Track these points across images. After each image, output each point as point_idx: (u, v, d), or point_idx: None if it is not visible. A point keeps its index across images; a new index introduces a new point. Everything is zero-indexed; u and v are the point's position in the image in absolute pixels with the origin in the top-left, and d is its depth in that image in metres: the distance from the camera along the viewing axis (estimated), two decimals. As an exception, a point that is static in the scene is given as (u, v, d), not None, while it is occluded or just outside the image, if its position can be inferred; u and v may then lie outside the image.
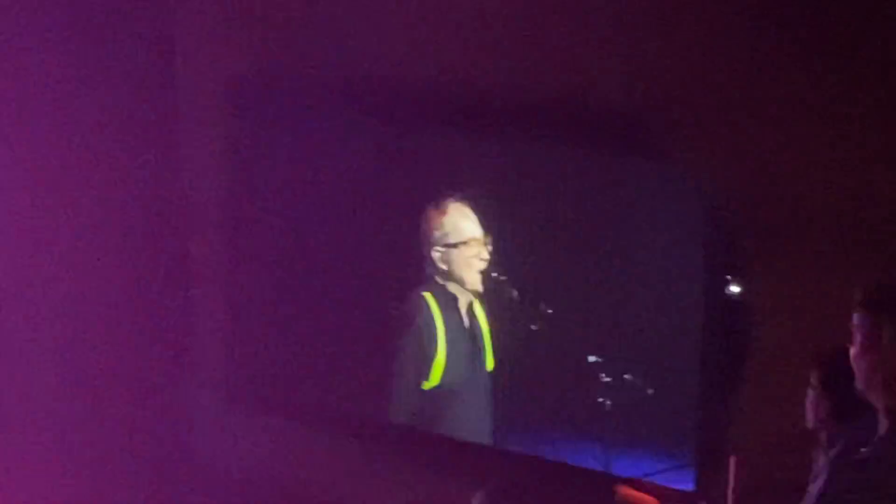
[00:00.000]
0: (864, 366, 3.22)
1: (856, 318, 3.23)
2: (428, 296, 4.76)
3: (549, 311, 4.61)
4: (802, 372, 3.74)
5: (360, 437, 5.18)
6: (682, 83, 4.40)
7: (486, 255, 4.72)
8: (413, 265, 4.77)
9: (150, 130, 5.49)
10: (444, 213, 4.73)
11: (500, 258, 4.70)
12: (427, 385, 4.78)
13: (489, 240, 4.71)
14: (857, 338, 3.24)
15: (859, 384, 3.23)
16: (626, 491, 4.21)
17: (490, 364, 4.78)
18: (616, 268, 4.57)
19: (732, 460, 3.64)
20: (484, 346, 4.78)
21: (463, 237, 4.71)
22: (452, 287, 4.76)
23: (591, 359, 4.55)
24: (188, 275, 5.60)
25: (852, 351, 3.26)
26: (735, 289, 4.33)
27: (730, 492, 3.88)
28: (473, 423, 4.82)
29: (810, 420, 3.65)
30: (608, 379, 4.52)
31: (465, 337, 4.78)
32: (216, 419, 5.63)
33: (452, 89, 4.81)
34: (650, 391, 4.47)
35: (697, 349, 4.38)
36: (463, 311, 4.78)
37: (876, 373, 3.19)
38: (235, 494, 5.49)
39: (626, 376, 4.50)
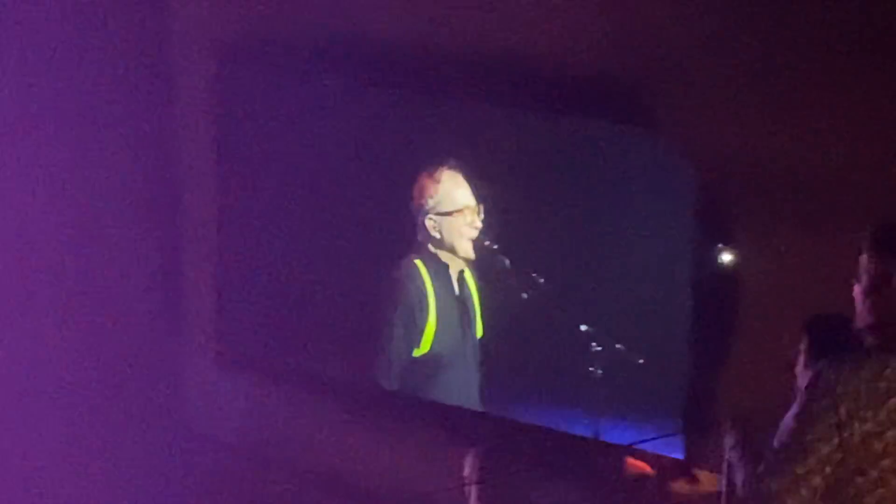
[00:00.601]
0: (867, 305, 3.24)
1: (863, 258, 3.24)
2: (419, 263, 4.76)
3: (541, 280, 4.62)
4: (792, 340, 3.75)
5: (350, 403, 5.19)
6: (673, 49, 4.40)
7: (479, 224, 4.72)
8: (405, 233, 4.77)
9: (140, 95, 5.47)
10: (437, 181, 4.72)
11: (493, 227, 4.71)
12: (417, 352, 4.79)
13: (482, 208, 4.72)
14: (864, 278, 3.26)
15: (860, 323, 3.25)
16: (630, 462, 4.24)
17: (480, 332, 4.79)
18: (607, 237, 4.58)
19: (728, 424, 3.65)
20: (475, 315, 4.79)
21: (456, 205, 4.71)
22: (444, 255, 4.76)
23: (582, 328, 4.56)
24: (177, 239, 5.59)
25: (856, 289, 3.28)
26: (726, 257, 4.34)
27: (725, 458, 3.89)
28: (464, 391, 4.83)
29: (801, 386, 3.66)
30: (599, 348, 4.54)
31: (455, 305, 4.79)
32: (205, 385, 5.63)
33: (446, 56, 4.81)
34: (640, 360, 4.48)
35: (688, 319, 4.39)
36: (454, 279, 4.79)
37: (878, 313, 3.21)
38: (224, 459, 5.50)
39: (616, 345, 4.51)
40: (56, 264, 5.32)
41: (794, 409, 3.23)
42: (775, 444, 3.22)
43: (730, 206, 4.32)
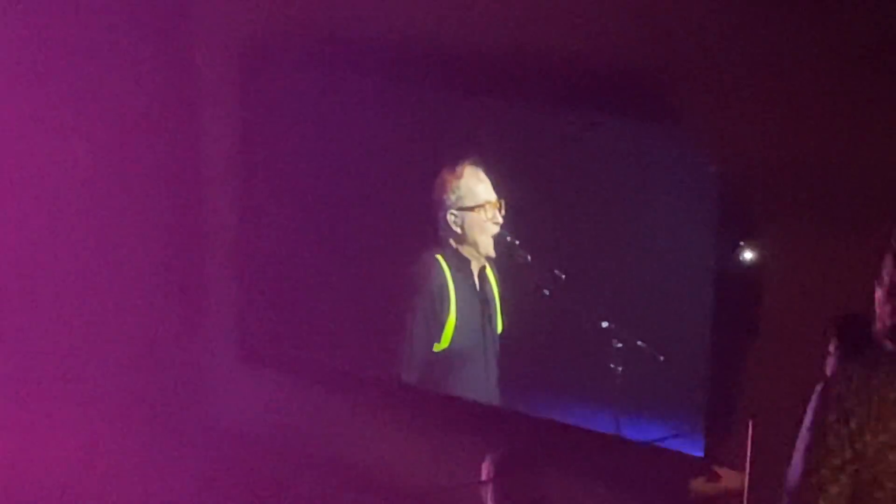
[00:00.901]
0: (887, 309, 3.20)
1: (887, 259, 3.21)
2: (440, 258, 4.76)
3: (562, 276, 4.61)
4: (813, 338, 3.74)
5: (371, 397, 5.19)
6: (696, 47, 4.38)
7: (500, 220, 4.72)
8: (427, 228, 4.76)
9: (163, 94, 5.48)
10: (458, 176, 4.72)
11: (514, 222, 4.70)
12: (438, 347, 4.79)
13: (503, 204, 4.71)
14: (885, 279, 3.23)
15: (879, 326, 3.22)
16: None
17: (500, 327, 4.79)
18: (629, 233, 4.57)
19: (751, 424, 3.64)
20: (495, 310, 4.79)
21: (477, 201, 4.71)
22: (465, 250, 4.76)
23: (603, 324, 4.55)
24: (201, 233, 5.61)
25: (878, 292, 3.24)
26: (747, 255, 4.33)
27: (748, 455, 3.88)
28: (483, 386, 4.84)
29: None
30: (620, 345, 4.53)
31: (476, 300, 4.79)
32: (228, 379, 5.64)
33: (469, 53, 4.80)
34: (661, 357, 4.47)
35: (708, 316, 4.37)
36: (475, 274, 4.78)
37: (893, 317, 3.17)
38: (246, 453, 5.50)
39: (637, 342, 4.50)
40: (81, 262, 5.34)
41: (807, 420, 3.19)
42: (794, 455, 3.19)
43: (751, 204, 4.31)
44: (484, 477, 4.17)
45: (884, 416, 3.08)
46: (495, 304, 4.80)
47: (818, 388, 3.17)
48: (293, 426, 5.50)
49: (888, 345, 3.21)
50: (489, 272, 4.80)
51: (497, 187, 4.72)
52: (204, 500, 5.42)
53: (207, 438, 5.60)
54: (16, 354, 5.27)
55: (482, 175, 4.73)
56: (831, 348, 3.63)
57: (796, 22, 4.19)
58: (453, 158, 4.73)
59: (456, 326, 4.76)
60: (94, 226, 5.36)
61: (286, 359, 5.36)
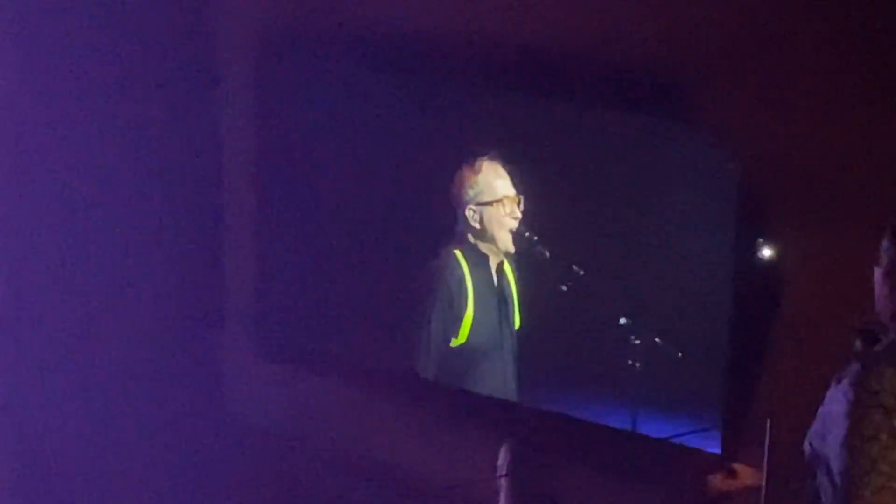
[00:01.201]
0: (885, 291, 3.20)
1: (884, 242, 3.21)
2: (458, 254, 4.76)
3: (581, 272, 4.61)
4: (832, 336, 3.73)
5: (387, 392, 5.20)
6: (717, 43, 4.37)
7: (519, 215, 4.71)
8: (445, 223, 4.77)
9: (182, 81, 5.49)
10: (477, 171, 4.72)
11: (533, 218, 4.70)
12: (455, 342, 4.79)
13: (521, 199, 4.71)
14: (884, 259, 3.23)
15: (877, 307, 3.22)
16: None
17: (518, 323, 4.79)
18: (648, 230, 4.56)
19: (769, 421, 3.63)
20: (513, 306, 4.79)
21: (496, 196, 4.71)
22: (483, 246, 4.75)
23: (622, 321, 4.54)
24: (218, 226, 5.61)
25: (876, 272, 3.24)
26: (766, 252, 4.31)
27: (766, 452, 3.88)
28: (500, 381, 4.83)
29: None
30: (638, 341, 4.52)
31: (494, 295, 4.78)
32: (246, 372, 5.65)
33: (487, 45, 4.80)
34: (679, 354, 4.46)
35: (727, 313, 4.36)
36: (493, 269, 4.78)
37: (893, 299, 3.17)
38: (264, 446, 5.52)
39: (655, 339, 4.50)
40: (96, 253, 5.35)
41: (843, 428, 3.16)
42: (837, 468, 3.15)
43: (772, 201, 4.29)
44: (500, 471, 4.18)
45: None
46: (513, 300, 4.80)
47: (845, 386, 3.16)
48: (310, 420, 5.51)
49: (891, 333, 3.20)
50: (507, 267, 4.79)
51: (516, 183, 4.72)
52: (221, 494, 5.44)
53: (225, 432, 5.61)
54: (31, 348, 5.28)
55: (501, 170, 4.72)
56: (857, 349, 3.59)
57: (820, 16, 4.18)
58: (472, 153, 4.72)
59: (473, 322, 4.76)
60: (110, 219, 5.37)
61: (303, 353, 5.37)
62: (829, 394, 3.27)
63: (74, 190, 5.27)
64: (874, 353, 3.23)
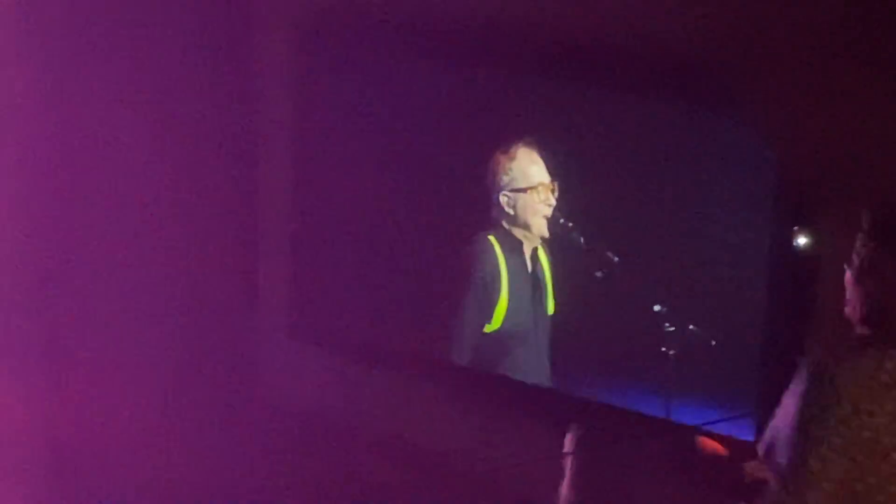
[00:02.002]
0: (856, 292, 3.16)
1: (858, 240, 3.16)
2: (493, 239, 4.77)
3: (615, 258, 4.61)
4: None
5: (421, 377, 5.21)
6: (756, 31, 4.36)
7: (553, 201, 4.72)
8: (480, 209, 4.78)
9: (219, 73, 5.51)
10: (512, 157, 4.73)
11: (568, 205, 4.70)
12: (489, 328, 4.81)
13: (556, 186, 4.72)
14: (855, 261, 3.18)
15: (849, 310, 3.18)
16: (703, 441, 4.23)
17: (551, 309, 4.79)
18: (684, 218, 4.56)
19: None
20: (547, 292, 4.79)
21: (530, 182, 4.72)
22: (518, 232, 4.76)
23: (656, 308, 4.55)
24: (253, 212, 5.64)
25: (847, 274, 3.20)
26: (802, 240, 4.31)
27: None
28: (534, 367, 4.84)
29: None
30: (672, 328, 4.53)
31: (528, 282, 4.79)
32: (281, 359, 5.67)
33: (524, 33, 4.80)
34: (713, 342, 4.47)
35: (762, 301, 4.37)
36: (527, 256, 4.79)
37: (868, 302, 3.12)
38: (298, 433, 5.54)
39: (689, 326, 4.50)
40: (134, 242, 5.37)
41: (790, 400, 3.15)
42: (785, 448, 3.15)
43: (808, 190, 4.29)
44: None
45: (877, 398, 3.06)
46: (547, 286, 4.80)
47: (805, 369, 3.13)
48: (345, 405, 5.53)
49: (862, 330, 3.17)
50: (541, 254, 4.80)
51: (551, 169, 4.73)
52: (256, 478, 5.46)
53: (259, 416, 5.63)
54: (63, 334, 5.31)
55: (536, 156, 4.73)
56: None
57: (861, 3, 4.16)
58: (507, 139, 4.73)
59: (507, 308, 4.77)
60: (146, 201, 5.39)
61: (338, 338, 5.38)
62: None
63: (111, 174, 5.30)
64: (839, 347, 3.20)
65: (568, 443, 4.47)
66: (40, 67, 5.07)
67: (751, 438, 4.39)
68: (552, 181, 4.72)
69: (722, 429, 4.38)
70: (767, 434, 3.39)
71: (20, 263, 5.14)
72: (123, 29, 5.26)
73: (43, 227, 5.18)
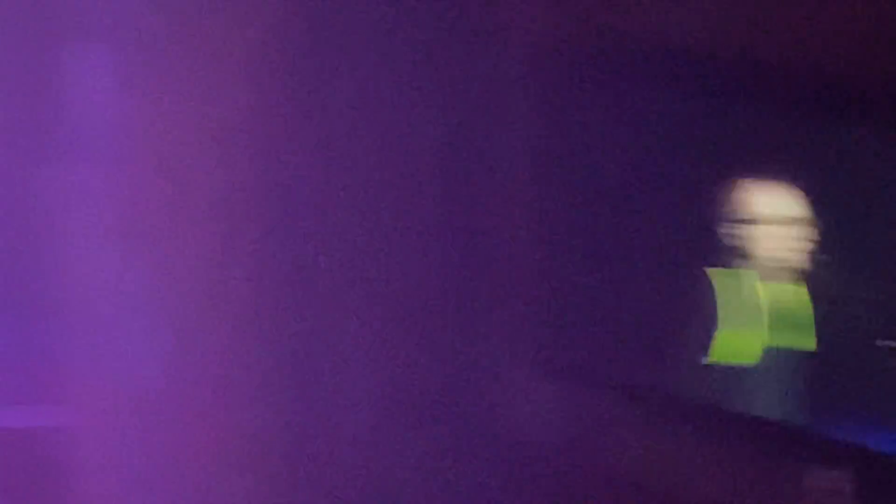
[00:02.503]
0: None
1: None
2: (716, 272, 4.72)
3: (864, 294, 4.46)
4: None
5: (650, 410, 5.15)
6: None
7: (787, 235, 4.62)
8: (705, 241, 4.74)
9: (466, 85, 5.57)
10: (741, 188, 4.67)
11: (796, 239, 4.59)
12: (710, 360, 4.76)
13: (788, 219, 4.61)
14: None
15: None
16: None
17: (775, 342, 4.69)
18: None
19: None
20: (772, 325, 4.68)
21: (759, 215, 4.65)
22: (743, 263, 4.70)
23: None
24: (490, 242, 5.68)
25: None
26: None
27: None
28: (766, 403, 4.76)
29: None
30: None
31: (748, 314, 4.71)
32: (523, 392, 5.70)
33: (758, 63, 4.72)
34: None
35: None
36: (748, 288, 4.71)
37: None
38: (539, 465, 5.55)
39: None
40: (362, 267, 5.55)
41: None
42: None
43: None
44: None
45: None
46: (768, 319, 4.69)
47: None
48: (583, 438, 5.51)
49: None
50: (763, 286, 4.71)
51: (784, 202, 4.63)
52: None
53: (498, 448, 5.67)
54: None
55: (765, 188, 4.65)
56: None
57: None
58: (735, 170, 4.68)
59: (727, 340, 4.70)
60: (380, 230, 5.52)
61: (577, 371, 5.39)
62: None
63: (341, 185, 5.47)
64: None
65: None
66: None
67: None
68: (784, 214, 4.62)
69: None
70: None
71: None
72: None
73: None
